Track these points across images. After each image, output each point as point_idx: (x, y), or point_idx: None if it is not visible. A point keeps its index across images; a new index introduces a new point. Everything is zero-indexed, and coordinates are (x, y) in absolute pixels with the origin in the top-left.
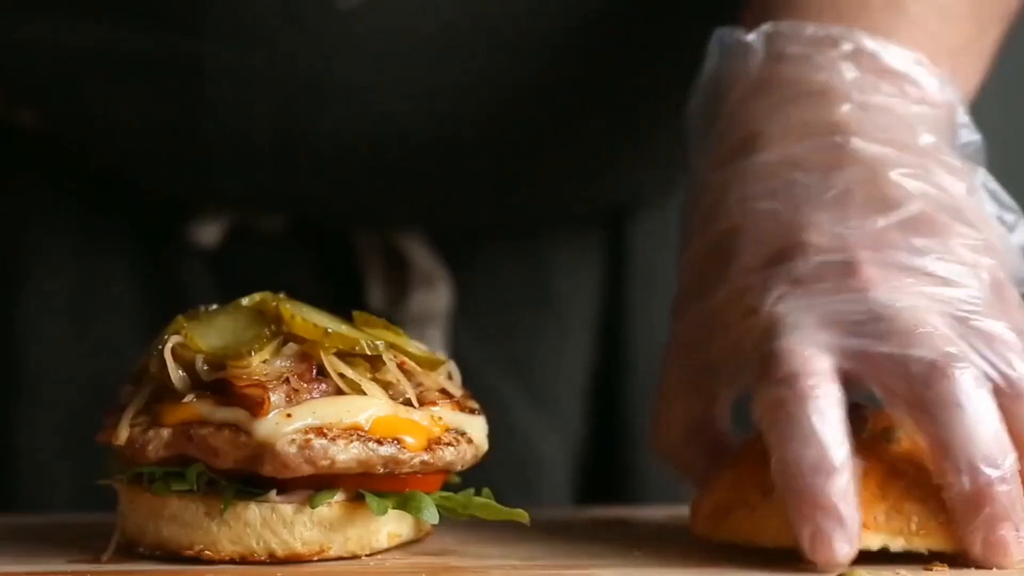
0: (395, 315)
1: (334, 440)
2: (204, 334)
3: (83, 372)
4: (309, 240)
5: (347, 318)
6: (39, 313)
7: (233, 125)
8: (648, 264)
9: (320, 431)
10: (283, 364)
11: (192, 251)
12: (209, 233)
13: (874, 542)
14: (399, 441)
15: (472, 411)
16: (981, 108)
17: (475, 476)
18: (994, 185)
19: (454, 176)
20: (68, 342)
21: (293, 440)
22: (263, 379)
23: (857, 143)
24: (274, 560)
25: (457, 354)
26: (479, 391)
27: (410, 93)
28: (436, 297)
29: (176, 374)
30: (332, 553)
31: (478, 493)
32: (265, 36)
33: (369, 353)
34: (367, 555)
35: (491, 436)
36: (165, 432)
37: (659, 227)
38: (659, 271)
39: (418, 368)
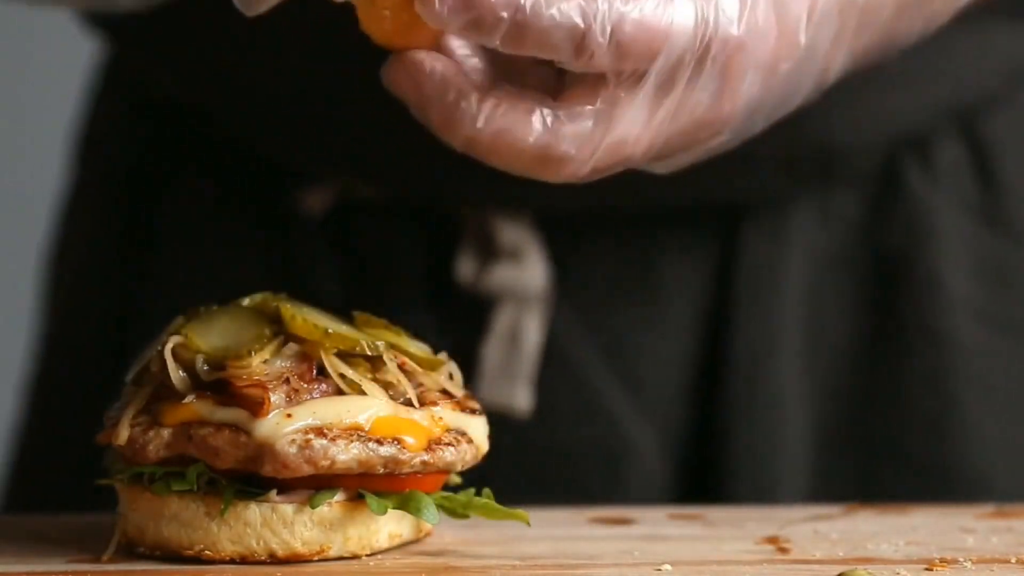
0: (480, 287)
1: (334, 440)
2: (204, 334)
3: None
4: (413, 212)
5: (348, 318)
6: (168, 284)
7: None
8: (760, 264)
9: (320, 431)
10: (283, 364)
11: (302, 218)
12: (316, 200)
13: None
14: (399, 441)
15: (473, 411)
16: None
17: (558, 460)
18: None
19: None
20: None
21: (293, 440)
22: (263, 379)
23: None
24: (274, 560)
25: (553, 336)
26: (573, 374)
27: None
28: (522, 274)
29: (176, 374)
30: (332, 553)
31: (479, 493)
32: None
33: (369, 353)
34: (367, 555)
35: (579, 420)
36: (165, 432)
37: (774, 228)
38: (770, 271)
39: (418, 368)
